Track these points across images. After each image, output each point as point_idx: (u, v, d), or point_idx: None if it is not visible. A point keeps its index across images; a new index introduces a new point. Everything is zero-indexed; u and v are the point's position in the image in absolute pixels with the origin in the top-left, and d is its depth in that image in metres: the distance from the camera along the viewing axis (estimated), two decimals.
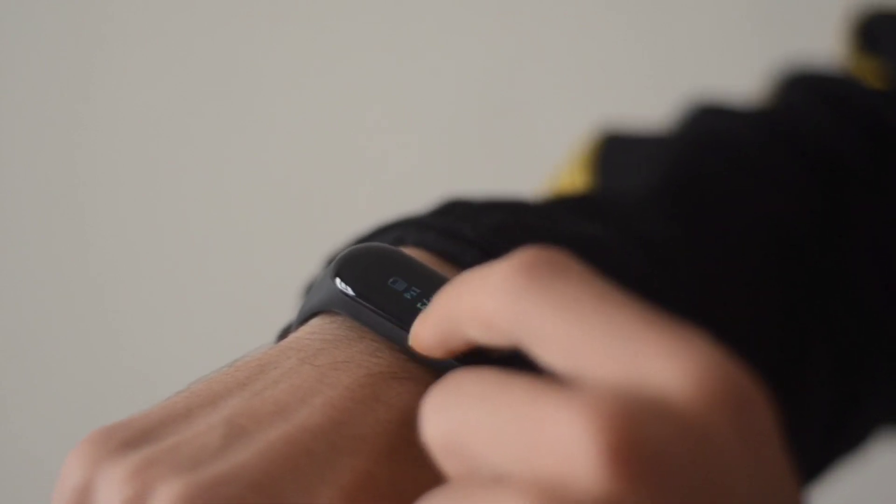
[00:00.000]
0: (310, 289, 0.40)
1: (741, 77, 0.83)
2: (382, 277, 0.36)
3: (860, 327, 0.55)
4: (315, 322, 0.37)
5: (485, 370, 0.29)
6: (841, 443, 0.57)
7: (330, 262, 0.40)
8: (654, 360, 0.27)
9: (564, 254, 0.29)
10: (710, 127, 0.58)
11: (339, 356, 0.35)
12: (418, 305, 0.36)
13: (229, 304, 1.14)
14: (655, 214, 0.50)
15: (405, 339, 0.35)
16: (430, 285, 0.36)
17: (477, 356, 0.34)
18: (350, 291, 0.36)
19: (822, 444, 0.56)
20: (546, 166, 0.88)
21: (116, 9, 1.12)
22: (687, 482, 0.26)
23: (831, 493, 0.69)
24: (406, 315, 0.36)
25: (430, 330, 0.33)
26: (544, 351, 0.29)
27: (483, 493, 0.27)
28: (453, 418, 0.28)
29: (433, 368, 0.35)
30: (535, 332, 0.29)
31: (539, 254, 0.29)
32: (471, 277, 0.31)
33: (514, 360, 0.31)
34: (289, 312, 0.43)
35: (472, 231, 0.40)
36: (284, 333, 0.39)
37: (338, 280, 0.36)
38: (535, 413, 0.27)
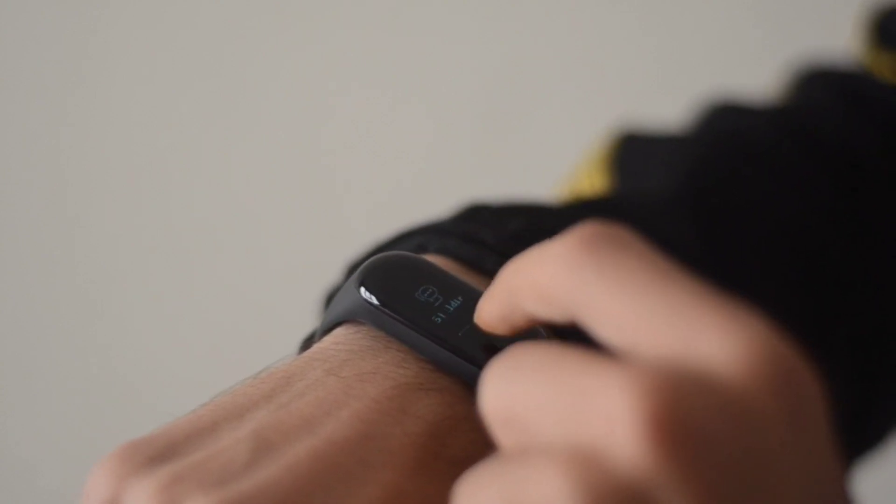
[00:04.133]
0: (331, 297, 0.40)
1: (757, 73, 0.83)
2: (407, 286, 0.36)
3: (881, 327, 0.55)
4: (339, 332, 0.36)
5: (544, 344, 0.28)
6: (860, 443, 0.57)
7: (351, 270, 0.40)
8: (706, 335, 0.27)
9: (624, 229, 0.29)
10: (727, 126, 0.58)
11: (365, 367, 0.34)
12: (442, 315, 0.35)
13: (240, 307, 1.14)
14: (676, 216, 0.50)
15: (431, 348, 0.35)
16: (454, 294, 0.36)
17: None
18: (375, 301, 0.36)
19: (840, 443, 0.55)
20: (551, 165, 0.87)
21: (112, 7, 1.11)
22: (727, 458, 0.26)
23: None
24: (431, 324, 0.35)
25: (492, 306, 0.33)
26: (599, 325, 0.28)
27: (527, 460, 0.27)
28: (509, 390, 0.28)
29: (461, 377, 0.35)
30: (591, 304, 0.28)
31: (599, 228, 0.29)
32: (531, 252, 0.31)
33: (572, 339, 0.30)
34: (303, 317, 0.43)
35: (493, 237, 0.39)
36: (308, 343, 0.38)
37: (362, 289, 0.36)
38: (584, 385, 0.27)
